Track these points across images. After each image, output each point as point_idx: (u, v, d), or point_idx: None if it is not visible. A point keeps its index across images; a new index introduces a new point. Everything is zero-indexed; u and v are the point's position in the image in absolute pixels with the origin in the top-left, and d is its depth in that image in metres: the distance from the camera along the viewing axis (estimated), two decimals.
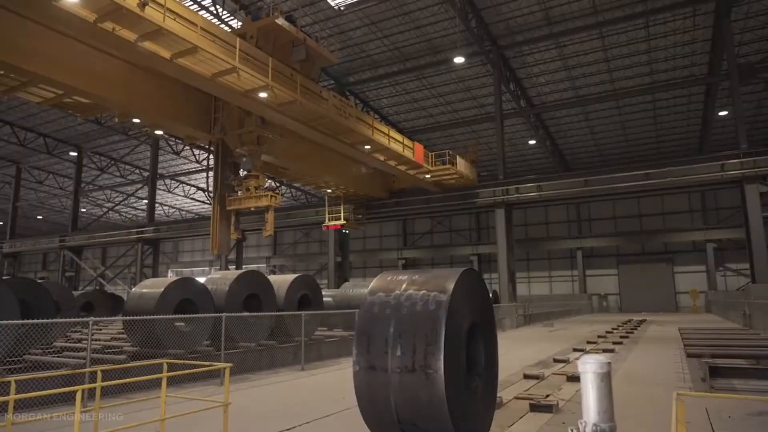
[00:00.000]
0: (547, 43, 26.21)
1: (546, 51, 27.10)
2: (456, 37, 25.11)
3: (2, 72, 13.16)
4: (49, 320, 8.54)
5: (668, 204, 42.65)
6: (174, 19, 12.46)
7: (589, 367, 3.55)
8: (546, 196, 25.75)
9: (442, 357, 4.16)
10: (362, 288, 17.82)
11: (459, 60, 25.60)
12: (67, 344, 12.07)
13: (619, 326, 22.26)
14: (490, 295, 5.92)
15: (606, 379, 3.53)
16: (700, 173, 22.63)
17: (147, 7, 11.60)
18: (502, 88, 27.27)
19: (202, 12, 23.13)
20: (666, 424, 5.64)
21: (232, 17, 23.59)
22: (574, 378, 9.05)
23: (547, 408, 6.70)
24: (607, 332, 19.40)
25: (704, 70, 28.27)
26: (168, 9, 12.18)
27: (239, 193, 18.38)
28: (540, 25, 25.16)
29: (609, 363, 3.61)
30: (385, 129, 22.39)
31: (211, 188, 19.54)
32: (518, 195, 25.89)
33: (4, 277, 11.29)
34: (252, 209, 19.07)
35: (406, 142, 24.05)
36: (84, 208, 51.24)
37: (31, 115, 33.62)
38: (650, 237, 41.35)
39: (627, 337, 17.46)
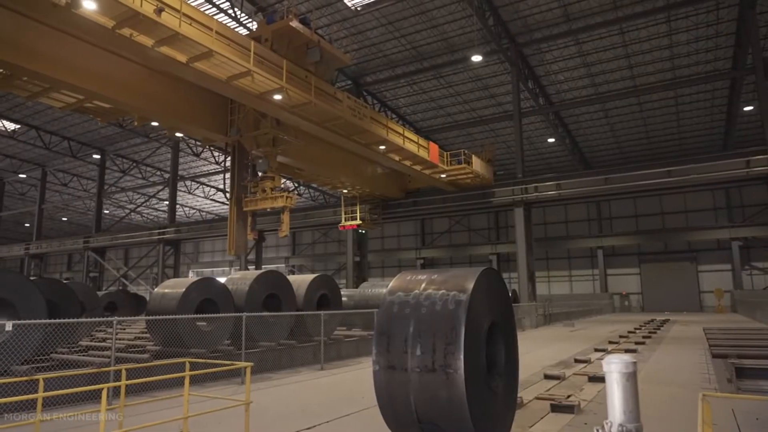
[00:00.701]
0: (566, 39, 25.94)
1: (565, 48, 26.81)
2: (473, 35, 24.99)
3: (25, 78, 13.49)
4: (75, 320, 8.73)
5: (691, 201, 41.84)
6: (190, 24, 12.63)
7: (614, 366, 3.51)
8: (566, 194, 25.45)
9: (462, 356, 4.14)
10: (381, 288, 17.85)
11: (477, 58, 25.47)
12: (92, 343, 12.32)
13: (641, 326, 21.91)
14: (510, 294, 5.88)
15: (632, 378, 3.48)
16: (725, 170, 22.14)
17: (163, 13, 11.79)
18: (520, 86, 27.06)
19: (221, 15, 23.40)
20: (692, 425, 5.54)
21: (249, 20, 23.80)
22: (596, 378, 8.94)
23: (569, 408, 6.63)
24: (629, 332, 19.12)
25: (728, 64, 27.67)
26: (184, 14, 12.36)
27: (256, 194, 18.55)
28: (558, 22, 24.90)
29: (635, 362, 3.56)
30: (399, 129, 22.38)
31: (228, 189, 19.76)
32: (537, 194, 25.66)
33: (32, 278, 11.56)
34: (268, 210, 19.22)
35: (421, 141, 24.01)
36: (107, 209, 52.26)
37: (56, 119, 34.38)
38: (673, 235, 40.61)
39: (650, 337, 17.18)
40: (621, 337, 17.28)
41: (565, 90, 31.22)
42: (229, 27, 15.06)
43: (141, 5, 11.32)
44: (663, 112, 33.40)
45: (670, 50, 26.67)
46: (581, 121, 35.12)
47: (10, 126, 34.91)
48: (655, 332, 19.10)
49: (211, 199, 51.77)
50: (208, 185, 47.74)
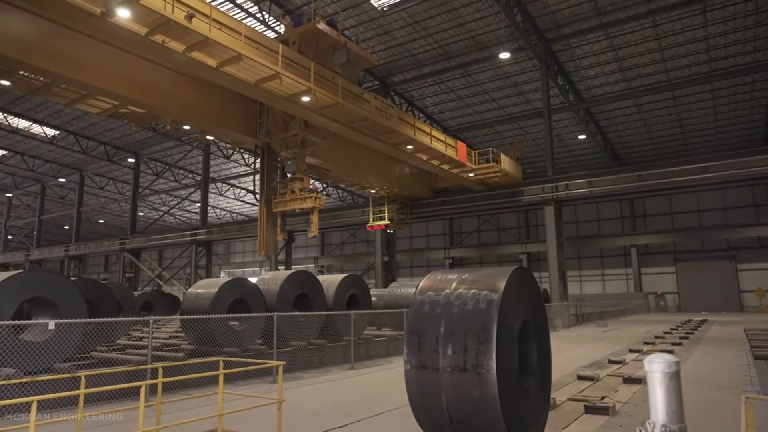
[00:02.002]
0: (596, 34, 25.42)
1: (595, 42, 26.28)
2: (501, 32, 24.72)
3: (64, 85, 13.99)
4: (114, 319, 8.99)
5: (730, 198, 40.45)
6: (219, 29, 12.89)
7: (656, 366, 3.43)
8: (597, 192, 24.95)
9: (494, 356, 4.11)
10: (410, 287, 17.80)
11: (504, 56, 25.20)
12: (129, 342, 12.67)
13: (677, 326, 21.31)
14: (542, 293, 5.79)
15: (675, 378, 3.40)
16: (765, 164, 21.35)
17: (194, 19, 12.06)
18: (549, 82, 26.64)
19: (249, 19, 23.74)
20: (734, 428, 5.38)
21: (277, 23, 24.08)
22: (631, 380, 8.75)
23: (603, 410, 6.50)
24: (665, 333, 18.62)
25: None
26: (213, 19, 12.63)
27: (285, 195, 18.77)
28: (588, 17, 24.42)
29: (678, 362, 3.48)
30: (427, 128, 22.31)
31: (258, 191, 20.04)
32: (568, 192, 25.20)
33: (71, 278, 11.96)
34: (297, 211, 19.43)
35: (449, 140, 23.88)
36: (141, 212, 53.66)
37: (92, 124, 35.49)
38: (711, 233, 39.36)
39: (687, 338, 16.69)
40: (656, 337, 16.84)
41: (596, 86, 30.60)
42: (257, 31, 15.27)
43: (172, 12, 11.60)
44: (699, 106, 32.41)
45: (705, 42, 25.85)
46: (613, 117, 34.37)
47: (50, 132, 36.22)
48: (692, 333, 18.56)
49: (242, 201, 52.61)
50: (238, 187, 48.56)
